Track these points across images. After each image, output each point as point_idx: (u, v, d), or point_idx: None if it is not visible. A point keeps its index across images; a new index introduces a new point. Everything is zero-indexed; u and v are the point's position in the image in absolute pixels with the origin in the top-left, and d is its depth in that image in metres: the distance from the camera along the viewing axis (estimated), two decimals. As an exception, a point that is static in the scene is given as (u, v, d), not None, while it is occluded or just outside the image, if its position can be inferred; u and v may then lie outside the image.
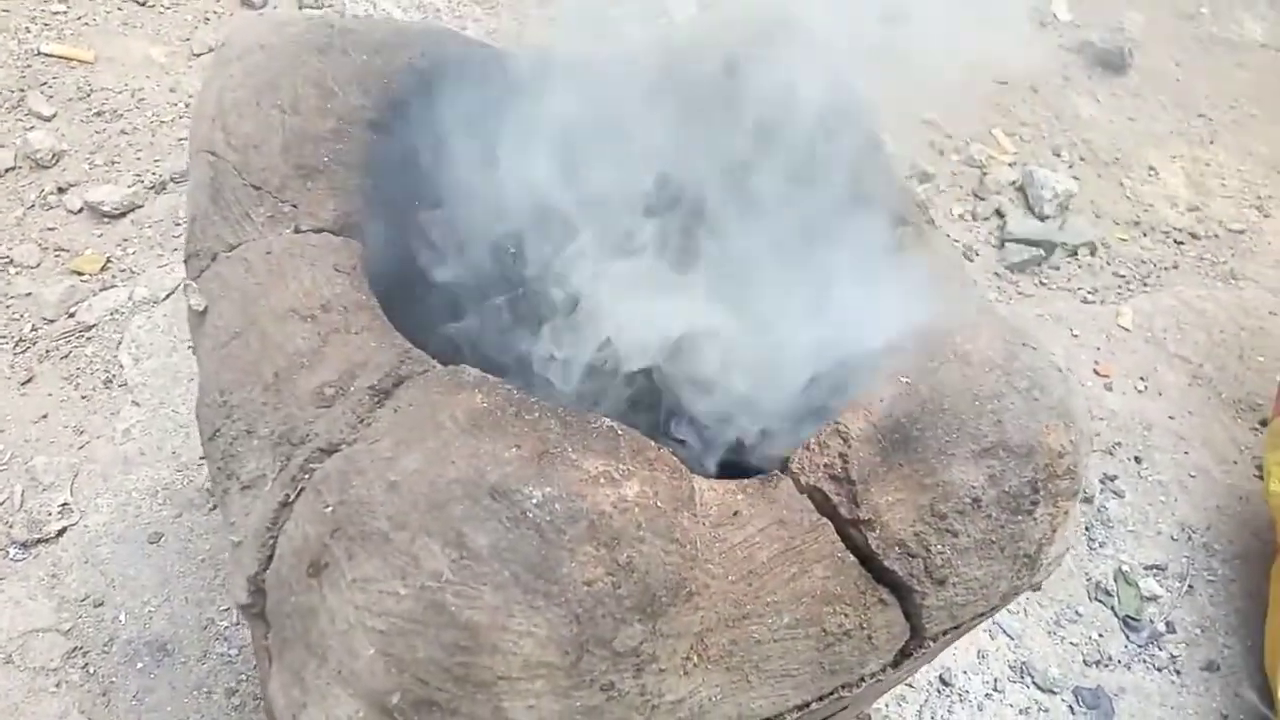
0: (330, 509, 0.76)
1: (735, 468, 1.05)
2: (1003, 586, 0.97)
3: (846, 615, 0.90)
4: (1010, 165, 2.93)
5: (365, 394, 0.84)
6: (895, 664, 0.97)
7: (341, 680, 0.73)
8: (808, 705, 0.91)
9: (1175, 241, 2.87)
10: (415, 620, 0.71)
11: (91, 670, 1.49)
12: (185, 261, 1.02)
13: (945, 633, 0.98)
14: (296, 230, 0.98)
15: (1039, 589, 1.92)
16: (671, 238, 1.08)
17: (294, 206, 0.99)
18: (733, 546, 0.86)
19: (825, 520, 0.91)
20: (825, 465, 0.92)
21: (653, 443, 0.84)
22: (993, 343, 0.99)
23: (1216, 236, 2.92)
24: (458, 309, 1.12)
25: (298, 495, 0.80)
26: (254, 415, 0.86)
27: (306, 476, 0.80)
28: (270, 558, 0.81)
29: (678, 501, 0.82)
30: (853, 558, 0.91)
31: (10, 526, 1.62)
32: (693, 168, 1.07)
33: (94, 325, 1.95)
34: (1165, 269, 2.78)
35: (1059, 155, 3.02)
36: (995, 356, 0.98)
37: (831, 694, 0.93)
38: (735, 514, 0.87)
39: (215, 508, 1.71)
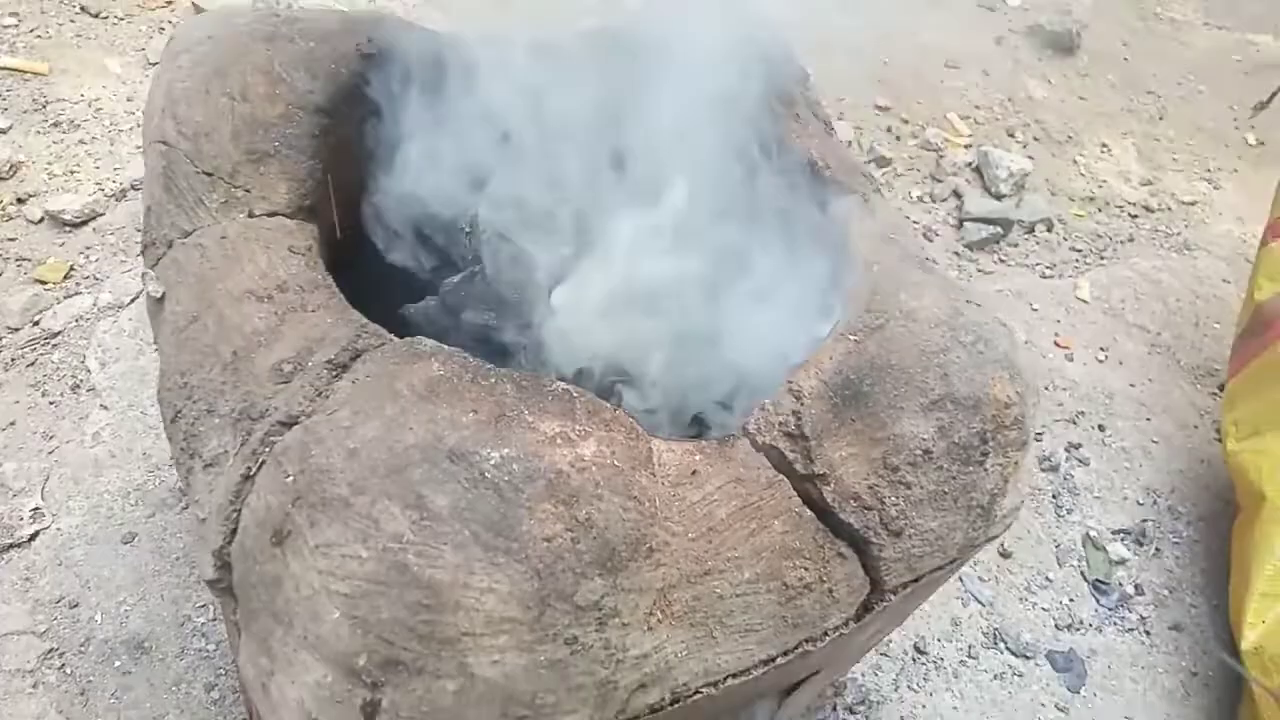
0: (291, 478, 0.77)
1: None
2: (958, 538, 1.00)
3: (806, 569, 0.92)
4: (966, 147, 2.98)
5: (323, 368, 0.86)
6: (857, 618, 0.99)
7: (308, 645, 0.74)
8: (773, 660, 0.93)
9: (1130, 215, 2.93)
10: (378, 582, 0.72)
11: (69, 670, 1.49)
12: (142, 251, 1.02)
13: (905, 585, 1.00)
14: (250, 215, 0.99)
15: (1005, 555, 1.96)
16: (612, 216, 1.09)
17: (247, 191, 1.00)
18: (692, 505, 0.87)
19: (782, 477, 0.93)
20: (780, 423, 0.94)
21: (608, 404, 0.86)
22: (938, 300, 1.01)
23: (1169, 209, 2.98)
24: (411, 290, 1.13)
25: (259, 468, 0.81)
26: (214, 394, 0.87)
27: (267, 450, 0.82)
28: (234, 531, 0.82)
29: (635, 461, 0.84)
30: (810, 512, 0.93)
31: (-20, 534, 1.62)
32: (635, 140, 1.09)
33: (60, 332, 1.94)
34: (1121, 242, 2.83)
35: (1013, 136, 3.07)
36: (940, 313, 1.00)
37: (796, 648, 0.95)
38: (693, 473, 0.89)
39: (188, 506, 1.71)
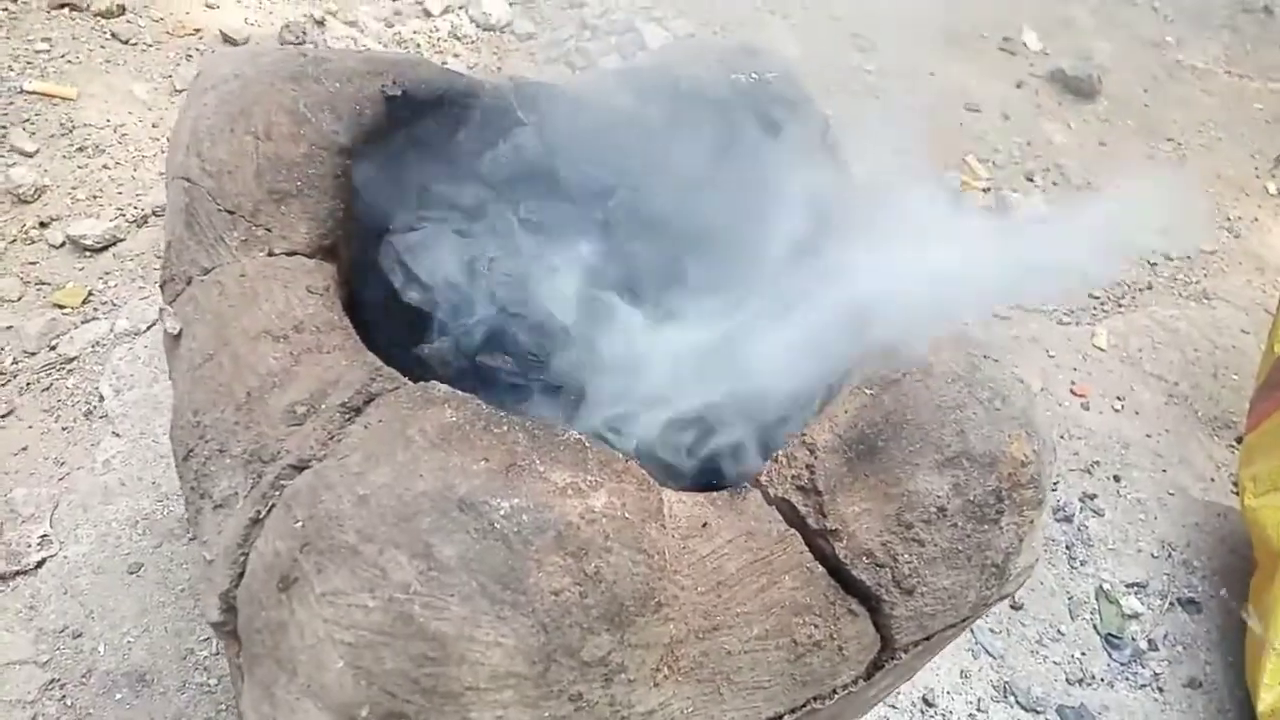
0: (300, 524, 0.77)
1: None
2: (971, 596, 0.98)
3: (816, 626, 0.90)
4: (984, 191, 2.98)
5: (336, 411, 0.85)
6: (867, 676, 0.98)
7: (311, 694, 0.74)
8: (780, 718, 0.92)
9: (1149, 263, 2.91)
10: (383, 632, 0.72)
11: (69, 702, 1.48)
12: (161, 286, 1.03)
13: (916, 644, 0.99)
14: (270, 253, 1.00)
15: (1016, 607, 1.94)
16: (639, 254, 1.09)
17: (267, 230, 1.00)
18: (702, 558, 0.87)
19: (793, 531, 0.92)
20: (793, 477, 0.93)
21: (620, 455, 0.86)
22: (955, 355, 1.01)
23: (1188, 258, 2.96)
24: (429, 330, 1.14)
25: (268, 511, 0.81)
26: (226, 435, 0.87)
27: (277, 493, 0.81)
28: (241, 574, 0.82)
29: (646, 513, 0.83)
30: (821, 568, 0.92)
31: (-12, 559, 1.62)
32: (660, 182, 1.09)
33: (75, 357, 1.95)
34: (1139, 290, 2.82)
35: (1032, 180, 3.07)
36: (957, 368, 0.99)
37: (804, 706, 0.93)
38: (704, 525, 0.89)
39: (195, 537, 1.70)
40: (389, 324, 1.10)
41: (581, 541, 0.77)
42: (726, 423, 1.04)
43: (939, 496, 0.93)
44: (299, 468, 0.82)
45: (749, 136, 1.15)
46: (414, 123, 1.11)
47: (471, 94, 1.17)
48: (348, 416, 0.86)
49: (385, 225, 1.14)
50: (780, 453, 0.96)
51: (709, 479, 1.15)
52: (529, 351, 1.10)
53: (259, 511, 0.81)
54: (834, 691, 0.95)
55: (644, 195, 1.09)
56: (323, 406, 0.86)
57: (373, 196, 1.09)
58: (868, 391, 0.96)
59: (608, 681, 0.77)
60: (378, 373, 0.89)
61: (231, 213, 1.01)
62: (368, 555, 0.74)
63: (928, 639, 0.99)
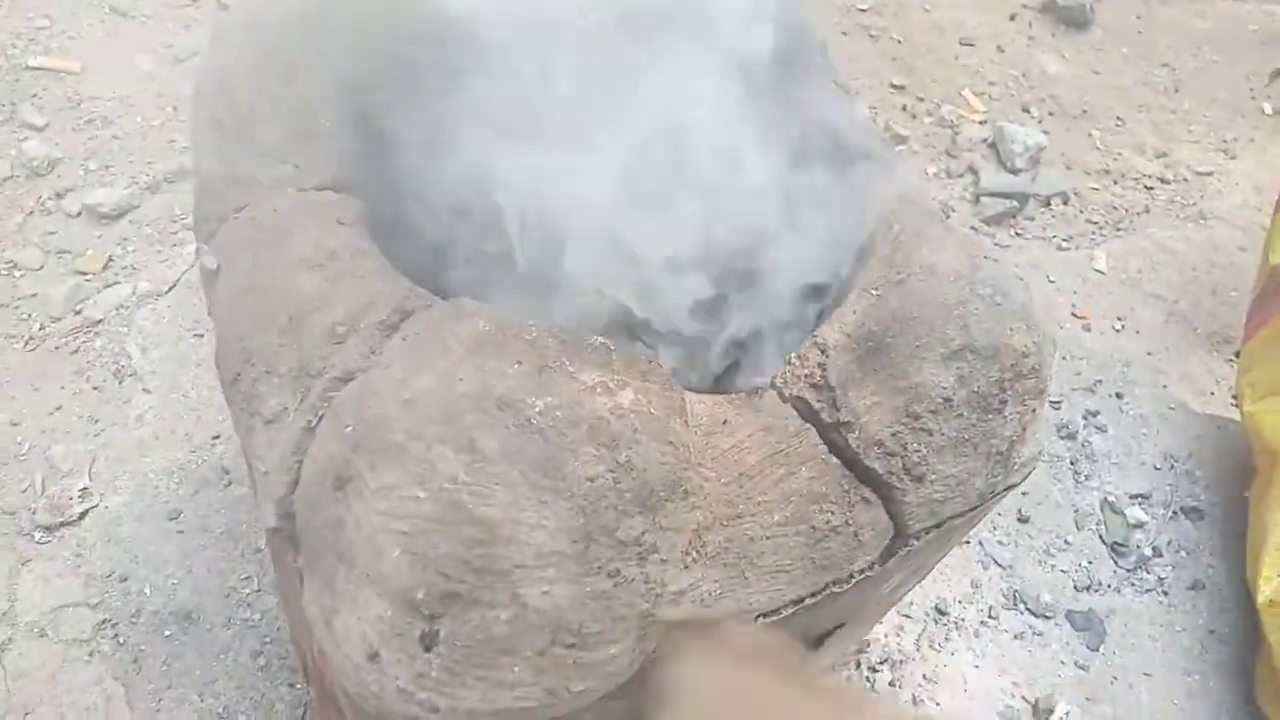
0: (350, 429, 0.83)
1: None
2: (979, 484, 1.04)
3: (833, 513, 0.96)
4: (981, 123, 3.01)
5: (375, 328, 0.91)
6: (882, 561, 1.04)
7: (370, 582, 0.80)
8: (802, 600, 0.98)
9: (1145, 187, 2.95)
10: (435, 520, 0.78)
11: (121, 640, 1.56)
12: (194, 227, 1.08)
13: (927, 530, 1.05)
14: (299, 189, 1.04)
15: (1024, 520, 2.00)
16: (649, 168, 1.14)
17: (296, 168, 1.05)
18: (723, 451, 0.92)
19: (808, 426, 0.97)
20: (805, 375, 0.99)
21: (643, 357, 0.91)
22: (957, 255, 1.06)
23: (1185, 181, 2.99)
24: (449, 262, 1.19)
25: (319, 421, 0.87)
26: (272, 356, 0.93)
27: (326, 404, 0.87)
28: (296, 481, 0.87)
29: (670, 409, 0.89)
30: (835, 459, 0.97)
31: (34, 512, 1.69)
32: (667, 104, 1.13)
33: (101, 320, 2.01)
34: (1137, 214, 2.86)
35: (1028, 111, 3.10)
36: (960, 268, 1.04)
37: (824, 589, 0.99)
38: (724, 422, 0.94)
39: (230, 484, 1.77)
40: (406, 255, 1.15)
41: (612, 434, 0.83)
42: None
43: (945, 388, 0.99)
44: (345, 379, 0.88)
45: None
46: (429, 58, 1.15)
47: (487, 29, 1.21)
48: (386, 333, 0.91)
49: (404, 163, 1.18)
50: (793, 355, 1.01)
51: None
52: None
53: (310, 421, 0.87)
54: (851, 576, 1.01)
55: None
56: (362, 325, 0.92)
57: (392, 133, 1.13)
58: (874, 292, 1.02)
59: (642, 560, 0.82)
60: (411, 292, 0.94)
61: (260, 152, 1.05)
62: (416, 452, 0.79)
63: (938, 526, 1.05)
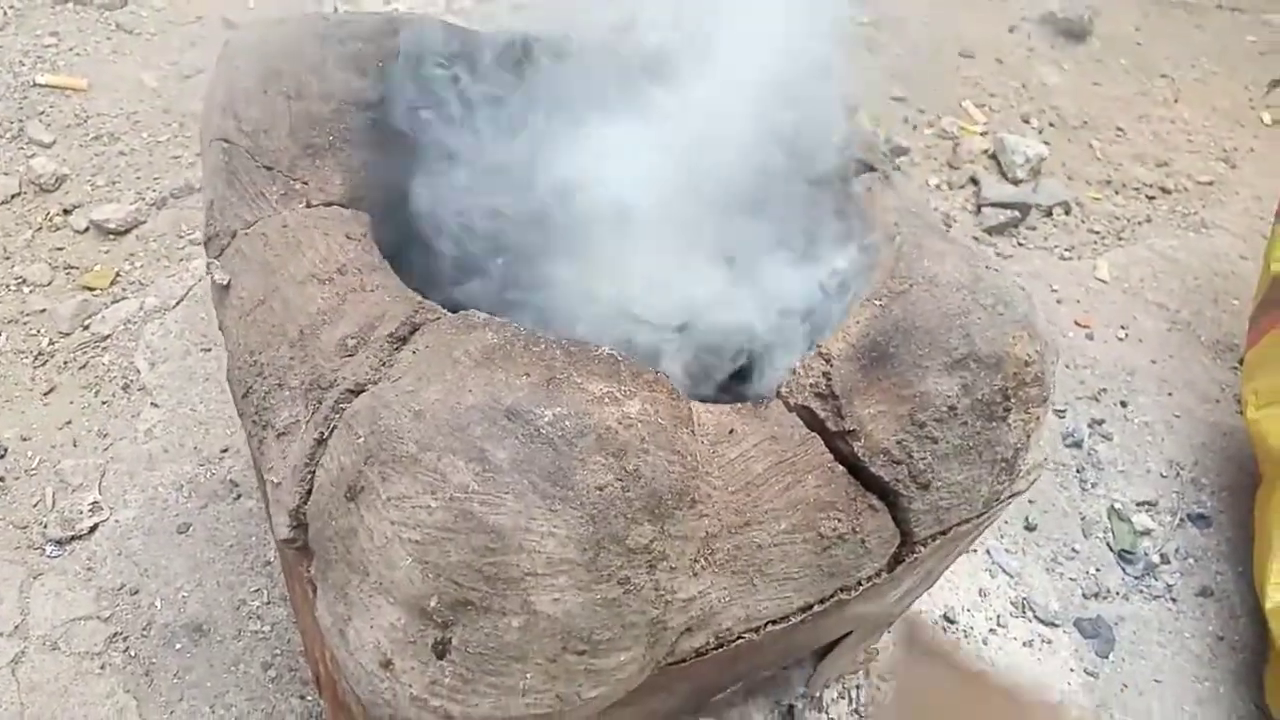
0: (362, 439, 0.84)
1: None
2: (984, 490, 1.05)
3: (840, 520, 0.97)
4: (982, 135, 3.02)
5: (385, 341, 0.92)
6: (889, 568, 1.04)
7: (383, 590, 0.80)
8: (810, 607, 0.99)
9: (1146, 197, 2.96)
10: (446, 528, 0.78)
11: (133, 653, 1.56)
12: (205, 243, 1.09)
13: (934, 537, 1.05)
14: (308, 205, 1.06)
15: (1031, 529, 2.00)
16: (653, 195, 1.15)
17: (304, 184, 1.07)
18: (730, 461, 0.93)
19: (814, 434, 0.98)
20: (811, 385, 1.00)
21: (650, 369, 0.92)
22: (959, 266, 1.07)
23: (1186, 190, 3.01)
24: (456, 273, 1.20)
25: (331, 432, 0.88)
26: (283, 369, 0.94)
27: (338, 415, 0.88)
28: (309, 492, 0.88)
29: (677, 419, 0.90)
30: (841, 467, 0.98)
31: (45, 526, 1.70)
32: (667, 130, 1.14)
33: (109, 335, 2.02)
34: (1138, 223, 2.87)
35: (1028, 122, 3.11)
36: (961, 278, 1.05)
37: (832, 597, 1.00)
38: (731, 432, 0.95)
39: (239, 497, 1.78)
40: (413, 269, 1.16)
41: (620, 443, 0.84)
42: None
43: (949, 396, 1.00)
44: (356, 391, 0.89)
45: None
46: (432, 75, 1.17)
47: (482, 47, 1.23)
48: (395, 345, 0.92)
49: (409, 175, 1.20)
50: (798, 365, 1.02)
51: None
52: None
53: (322, 433, 0.88)
54: (859, 583, 1.02)
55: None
56: (372, 338, 0.93)
57: (398, 148, 1.15)
58: (877, 302, 1.03)
59: (652, 568, 0.83)
60: (420, 305, 0.95)
61: (269, 169, 1.07)
62: (427, 462, 0.80)
63: (944, 532, 1.06)
